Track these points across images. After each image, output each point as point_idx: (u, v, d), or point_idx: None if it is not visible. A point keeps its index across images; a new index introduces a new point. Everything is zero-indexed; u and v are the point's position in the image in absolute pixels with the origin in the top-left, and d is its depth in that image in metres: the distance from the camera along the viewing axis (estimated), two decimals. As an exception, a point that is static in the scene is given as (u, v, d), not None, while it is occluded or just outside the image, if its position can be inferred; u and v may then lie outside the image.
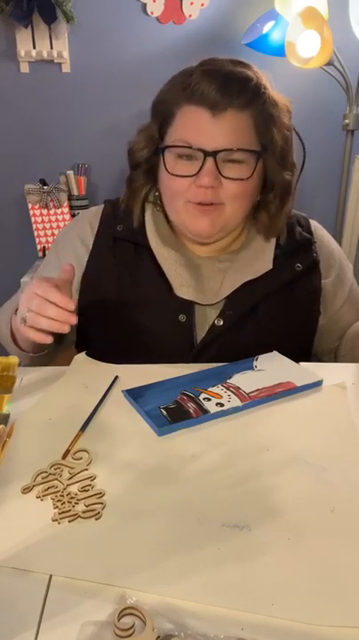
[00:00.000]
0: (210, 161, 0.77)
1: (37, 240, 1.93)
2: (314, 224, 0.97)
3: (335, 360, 0.99)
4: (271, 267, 0.87)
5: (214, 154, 0.77)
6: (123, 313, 0.87)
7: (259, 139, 0.81)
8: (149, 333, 0.86)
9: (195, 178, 0.79)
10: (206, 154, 0.77)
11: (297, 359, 0.83)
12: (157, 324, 0.86)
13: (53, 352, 0.92)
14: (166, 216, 0.90)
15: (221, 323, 0.85)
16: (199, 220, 0.82)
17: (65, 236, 0.97)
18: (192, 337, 0.86)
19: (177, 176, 0.80)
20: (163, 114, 0.82)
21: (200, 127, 0.77)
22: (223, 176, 0.78)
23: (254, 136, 0.80)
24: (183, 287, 0.85)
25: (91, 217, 0.94)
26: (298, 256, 0.90)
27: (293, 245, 0.90)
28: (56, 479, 0.57)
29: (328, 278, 0.93)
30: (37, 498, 0.55)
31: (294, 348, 0.86)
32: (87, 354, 0.86)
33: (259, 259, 0.88)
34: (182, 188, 0.80)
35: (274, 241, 0.90)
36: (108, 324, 0.89)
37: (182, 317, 0.85)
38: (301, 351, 0.93)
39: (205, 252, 0.90)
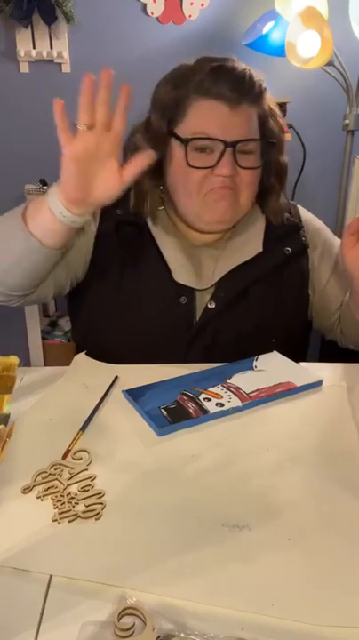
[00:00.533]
0: (229, 151, 0.80)
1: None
2: (301, 209, 1.00)
3: (341, 335, 0.99)
4: (261, 249, 0.90)
5: (233, 144, 0.80)
6: (126, 295, 0.89)
7: (262, 130, 0.85)
8: (151, 315, 0.88)
9: (212, 169, 0.81)
10: (226, 144, 0.80)
11: (293, 347, 0.85)
12: (160, 307, 0.88)
13: (47, 272, 0.84)
14: (164, 211, 0.92)
15: (213, 305, 0.88)
16: (219, 204, 0.84)
17: None
18: (191, 320, 0.88)
19: (195, 168, 0.82)
20: (170, 108, 0.84)
21: (219, 120, 0.80)
22: (240, 166, 0.82)
23: (259, 128, 0.85)
24: (181, 272, 0.88)
25: None
26: (287, 240, 0.93)
27: (282, 230, 0.93)
28: (56, 479, 0.57)
29: (314, 251, 0.96)
30: (37, 498, 0.55)
31: (288, 334, 0.89)
32: (85, 345, 0.87)
33: (250, 243, 0.91)
34: (199, 180, 0.83)
35: (263, 226, 0.93)
36: (112, 305, 0.90)
37: (183, 299, 0.88)
38: (296, 338, 0.96)
39: (202, 240, 0.92)
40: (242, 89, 0.80)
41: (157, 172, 0.88)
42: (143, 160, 0.72)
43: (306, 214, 1.00)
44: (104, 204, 0.75)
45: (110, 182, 0.72)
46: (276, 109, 0.88)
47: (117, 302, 0.89)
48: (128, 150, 0.88)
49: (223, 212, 0.85)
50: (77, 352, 0.88)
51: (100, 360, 0.85)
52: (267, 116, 0.86)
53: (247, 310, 0.89)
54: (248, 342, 0.87)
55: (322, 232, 0.99)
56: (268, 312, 0.91)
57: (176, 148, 0.84)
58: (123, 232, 0.90)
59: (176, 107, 0.83)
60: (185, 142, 0.82)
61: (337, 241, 0.99)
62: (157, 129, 0.85)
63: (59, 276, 0.87)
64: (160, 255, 0.88)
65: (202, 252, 0.90)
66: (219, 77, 0.80)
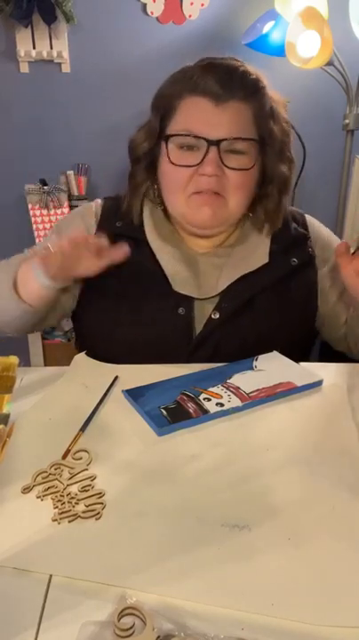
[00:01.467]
0: (213, 150, 0.78)
1: (37, 240, 1.93)
2: (309, 219, 0.97)
3: (352, 347, 0.96)
4: (267, 260, 0.88)
5: (217, 143, 0.78)
6: (123, 307, 0.88)
7: (259, 131, 0.83)
8: (149, 327, 0.87)
9: (197, 168, 0.80)
10: (210, 143, 0.78)
11: (297, 355, 0.83)
12: (157, 318, 0.87)
13: (48, 311, 0.91)
14: (165, 213, 0.91)
15: (217, 316, 0.86)
16: (201, 210, 0.83)
17: (69, 220, 0.99)
18: (191, 330, 0.87)
19: (180, 166, 0.81)
20: (164, 107, 0.84)
21: (203, 116, 0.79)
22: (226, 166, 0.79)
23: (254, 128, 0.82)
24: (180, 282, 0.86)
25: (89, 213, 0.95)
26: (293, 251, 0.90)
27: (288, 240, 0.91)
28: (56, 479, 0.57)
29: (325, 268, 0.93)
30: (37, 498, 0.55)
31: (292, 344, 0.87)
32: (87, 353, 0.86)
33: (255, 253, 0.89)
34: (184, 180, 0.81)
35: (269, 235, 0.90)
36: (109, 318, 0.89)
37: (182, 310, 0.86)
38: (300, 348, 0.94)
39: (202, 248, 0.91)
40: (230, 83, 0.78)
41: (153, 170, 0.89)
42: (119, 254, 0.79)
43: (314, 224, 0.97)
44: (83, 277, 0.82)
45: (89, 265, 0.79)
46: (282, 111, 0.85)
47: (117, 315, 0.88)
48: (131, 149, 0.89)
49: (206, 218, 0.83)
50: (78, 352, 0.88)
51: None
52: (267, 116, 0.82)
53: (252, 321, 0.87)
54: (250, 353, 0.85)
55: (333, 244, 0.96)
56: (273, 323, 0.89)
57: (164, 146, 0.83)
58: (121, 243, 0.89)
59: (169, 105, 0.83)
60: (166, 139, 0.82)
61: None
62: (153, 127, 0.86)
63: (61, 307, 0.93)
64: (158, 265, 0.87)
65: (203, 261, 0.89)
66: (207, 73, 0.79)
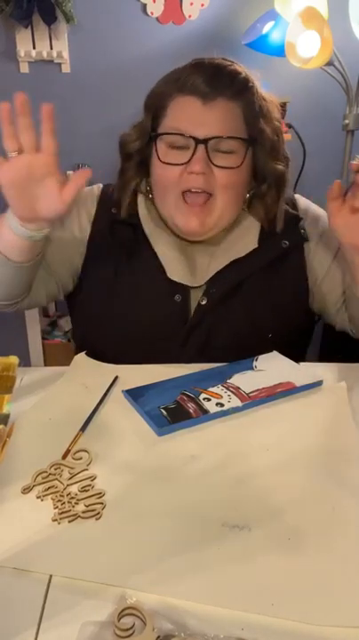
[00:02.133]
0: (201, 148, 0.78)
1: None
2: (298, 198, 0.97)
3: (349, 324, 0.94)
4: (256, 245, 0.88)
5: (205, 141, 0.78)
6: (120, 294, 0.89)
7: (249, 130, 0.82)
8: (146, 313, 0.88)
9: (186, 166, 0.80)
10: (197, 141, 0.78)
11: (295, 346, 0.83)
12: (154, 304, 0.88)
13: (32, 269, 0.86)
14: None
15: (205, 302, 0.87)
16: (189, 219, 0.83)
17: None
18: (187, 317, 0.88)
19: (169, 164, 0.81)
20: (155, 106, 0.84)
21: (191, 115, 0.79)
22: (214, 164, 0.80)
23: (243, 126, 0.82)
24: (175, 270, 0.87)
25: (91, 195, 0.95)
26: (284, 233, 0.90)
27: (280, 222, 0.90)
28: (56, 479, 0.57)
29: (312, 240, 0.92)
30: (37, 498, 0.55)
31: (290, 332, 0.87)
32: (87, 344, 0.87)
33: (245, 238, 0.89)
34: (174, 178, 0.81)
35: (258, 222, 0.90)
36: (107, 305, 0.90)
37: (178, 297, 0.87)
38: (298, 335, 0.94)
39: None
40: (217, 82, 0.78)
41: (145, 168, 0.89)
42: (80, 178, 0.72)
43: (303, 203, 0.96)
44: (53, 220, 0.76)
45: (52, 201, 0.72)
46: (273, 111, 0.85)
47: (112, 301, 0.89)
48: (121, 145, 0.89)
49: (195, 227, 0.83)
50: (77, 352, 0.88)
51: (98, 359, 0.85)
52: (257, 115, 0.82)
53: (241, 306, 0.88)
54: (244, 339, 0.86)
55: (321, 220, 0.94)
56: (264, 307, 0.89)
57: (154, 145, 0.84)
58: (117, 231, 0.90)
59: (159, 104, 0.83)
60: (154, 137, 0.82)
61: None
62: (145, 126, 0.86)
63: (49, 285, 0.91)
64: (154, 253, 0.88)
65: (196, 249, 0.89)
66: (194, 72, 0.79)
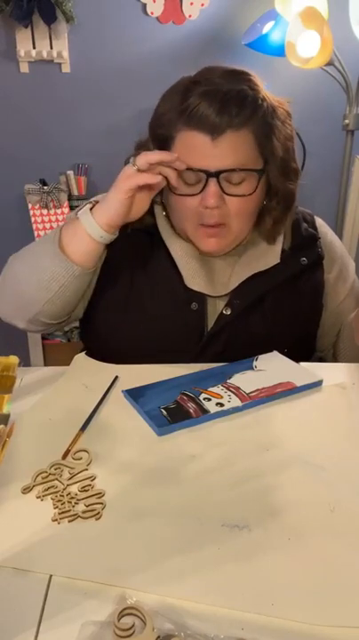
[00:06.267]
0: (213, 182, 0.78)
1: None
2: (318, 221, 0.99)
3: (334, 357, 1.00)
4: (278, 261, 0.90)
5: (217, 174, 0.78)
6: (136, 300, 0.89)
7: (261, 151, 0.81)
8: (162, 321, 0.88)
9: (200, 197, 0.80)
10: (209, 175, 0.78)
11: (302, 353, 0.84)
12: (170, 312, 0.87)
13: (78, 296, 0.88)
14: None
15: (229, 312, 0.87)
16: (207, 241, 0.84)
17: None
18: (203, 326, 0.88)
19: (183, 195, 0.81)
20: (161, 137, 0.83)
21: (201, 152, 0.78)
22: (227, 194, 0.80)
23: (256, 150, 0.80)
24: (194, 279, 0.87)
25: None
26: (303, 251, 0.92)
27: (299, 240, 0.92)
28: (56, 479, 0.57)
29: (330, 273, 0.95)
30: (37, 498, 0.55)
31: (300, 342, 0.89)
32: (99, 347, 0.87)
33: (267, 253, 0.90)
34: (190, 209, 0.82)
35: (281, 237, 0.91)
36: (120, 310, 0.89)
37: (194, 305, 0.87)
38: (306, 345, 0.96)
39: None
40: (226, 113, 0.76)
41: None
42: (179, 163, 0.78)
43: (322, 226, 0.98)
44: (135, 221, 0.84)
45: (144, 204, 0.82)
46: (286, 126, 0.83)
47: (128, 307, 0.89)
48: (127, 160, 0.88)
49: (213, 249, 0.85)
50: (84, 346, 0.88)
51: (109, 363, 0.84)
52: (269, 134, 0.80)
53: (261, 318, 0.89)
54: (258, 350, 0.85)
55: (338, 250, 0.98)
56: (282, 320, 0.90)
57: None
58: (134, 237, 0.89)
59: (164, 135, 0.82)
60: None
61: (352, 264, 1.00)
62: None
63: (84, 296, 0.91)
64: (171, 260, 0.88)
65: (216, 259, 0.89)
66: (201, 103, 0.76)
